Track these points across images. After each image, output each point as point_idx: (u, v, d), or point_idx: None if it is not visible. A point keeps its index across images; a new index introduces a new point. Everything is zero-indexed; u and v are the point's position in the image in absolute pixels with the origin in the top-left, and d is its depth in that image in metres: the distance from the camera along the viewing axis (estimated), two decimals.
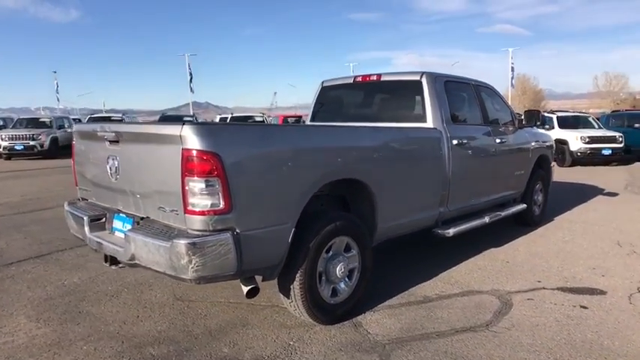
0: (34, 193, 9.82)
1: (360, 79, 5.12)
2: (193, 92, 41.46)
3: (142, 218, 3.10)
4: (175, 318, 3.62)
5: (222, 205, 2.65)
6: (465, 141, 4.71)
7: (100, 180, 3.43)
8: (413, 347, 3.12)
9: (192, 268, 2.62)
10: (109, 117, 20.69)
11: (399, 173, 3.95)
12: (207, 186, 2.61)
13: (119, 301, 3.98)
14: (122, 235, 3.25)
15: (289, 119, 23.21)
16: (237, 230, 2.74)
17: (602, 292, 4.07)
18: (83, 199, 3.86)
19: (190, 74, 40.73)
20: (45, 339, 3.30)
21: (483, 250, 5.35)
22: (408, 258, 5.08)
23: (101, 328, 3.47)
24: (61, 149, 19.83)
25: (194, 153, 2.59)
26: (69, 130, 21.28)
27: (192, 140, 2.60)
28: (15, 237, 6.17)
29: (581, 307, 3.77)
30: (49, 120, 21.05)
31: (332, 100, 5.52)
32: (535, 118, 5.64)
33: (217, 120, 21.45)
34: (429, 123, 4.46)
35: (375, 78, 4.97)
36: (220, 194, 2.64)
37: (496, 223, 5.53)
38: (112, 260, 3.24)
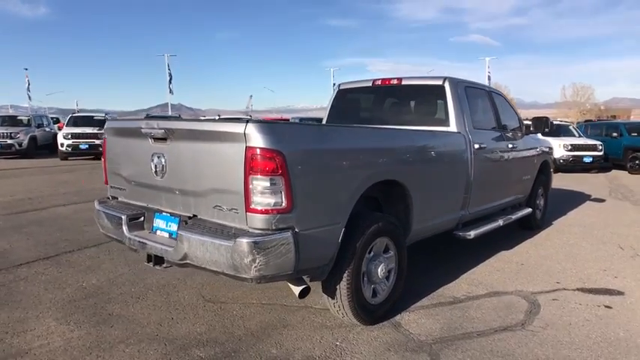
0: (22, 193, 9.48)
1: (379, 82, 5.18)
2: (173, 93, 40.87)
3: (190, 217, 3.06)
4: (212, 320, 3.57)
5: (284, 203, 2.65)
6: (484, 145, 4.82)
7: (139, 178, 3.36)
8: (459, 346, 3.18)
9: (255, 267, 2.61)
10: (92, 116, 20.10)
11: (431, 175, 4.02)
12: (271, 184, 2.60)
13: (147, 303, 3.89)
14: (166, 235, 3.20)
15: None
16: (297, 229, 2.74)
17: (621, 293, 4.22)
18: (114, 197, 3.77)
19: (170, 75, 40.10)
20: (82, 342, 3.21)
21: (495, 252, 5.47)
22: (427, 260, 5.14)
23: (137, 330, 3.39)
24: (38, 149, 19.29)
25: (259, 151, 2.58)
26: (47, 130, 20.69)
27: (257, 138, 2.59)
28: (16, 238, 5.95)
29: (605, 306, 3.91)
30: (27, 118, 20.35)
31: (349, 103, 5.55)
32: (544, 125, 5.82)
33: None
34: (453, 127, 4.54)
35: (395, 82, 5.04)
36: (283, 193, 2.63)
37: (501, 227, 5.66)
38: (157, 260, 3.17)
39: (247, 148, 2.60)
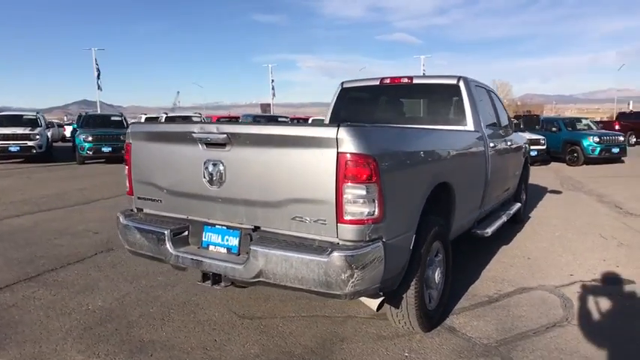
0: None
1: (388, 81, 5.09)
2: (101, 90, 38.14)
3: (253, 230, 2.78)
4: (260, 338, 3.30)
5: (377, 212, 2.48)
6: (495, 143, 4.90)
7: (182, 188, 3.01)
8: (524, 347, 3.17)
9: (352, 282, 2.41)
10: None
11: (466, 175, 4.00)
12: (367, 192, 2.41)
13: (176, 325, 3.53)
14: (223, 250, 2.90)
15: (222, 119, 22.43)
16: (384, 239, 2.57)
17: (632, 282, 4.46)
18: (139, 209, 3.36)
19: (98, 70, 37.35)
20: None
21: (497, 247, 5.59)
22: None
23: (184, 357, 3.06)
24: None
25: (353, 157, 2.39)
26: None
27: (350, 143, 2.39)
28: None
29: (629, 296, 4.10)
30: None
31: (355, 102, 5.41)
32: (535, 122, 6.04)
33: (143, 120, 19.91)
34: (470, 126, 4.56)
35: (406, 81, 4.97)
36: (376, 201, 2.46)
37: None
38: (215, 279, 2.85)
39: (340, 154, 2.39)
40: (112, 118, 18.11)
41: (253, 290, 4.14)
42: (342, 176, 2.40)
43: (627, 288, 4.29)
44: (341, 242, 2.49)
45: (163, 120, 16.86)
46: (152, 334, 3.37)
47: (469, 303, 3.94)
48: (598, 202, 8.77)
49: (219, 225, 2.94)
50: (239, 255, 2.84)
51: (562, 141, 15.32)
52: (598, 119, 39.53)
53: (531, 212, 7.77)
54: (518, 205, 6.32)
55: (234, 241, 2.87)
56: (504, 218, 5.37)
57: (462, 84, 4.66)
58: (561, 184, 11.46)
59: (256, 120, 16.80)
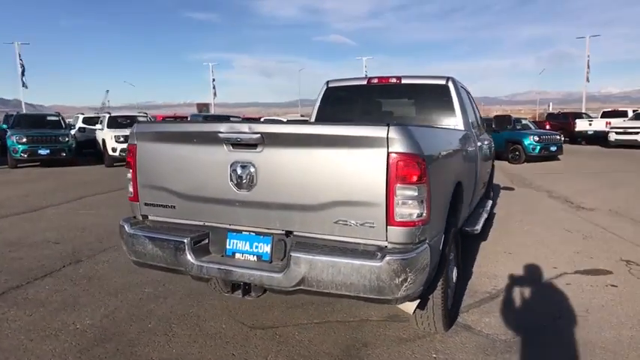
0: None
1: (376, 80, 5.07)
2: (27, 87, 35.15)
3: (287, 235, 2.63)
4: (282, 349, 3.15)
5: (425, 214, 2.42)
6: (480, 142, 5.03)
7: (204, 193, 2.78)
8: (545, 342, 3.25)
9: (405, 286, 2.35)
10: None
11: (468, 174, 4.06)
12: (418, 193, 2.35)
13: (184, 340, 3.29)
14: (252, 258, 2.72)
15: (168, 119, 21.51)
16: (428, 241, 2.53)
17: (609, 272, 4.74)
18: (144, 216, 3.08)
19: (22, 66, 34.39)
20: None
21: (476, 244, 5.75)
22: None
23: None
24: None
25: (405, 157, 2.32)
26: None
27: (402, 143, 2.32)
28: None
29: (612, 285, 4.35)
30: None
31: (340, 101, 5.34)
32: (507, 122, 6.27)
33: (81, 120, 18.62)
34: (460, 126, 4.64)
35: (394, 81, 4.97)
36: (425, 202, 2.40)
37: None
38: (245, 289, 2.66)
39: (391, 154, 2.31)
40: (48, 118, 16.96)
41: (255, 299, 3.95)
42: (393, 177, 2.32)
43: (609, 278, 4.54)
44: (390, 245, 2.41)
45: (107, 120, 15.86)
46: (160, 352, 3.11)
47: (473, 300, 4.00)
48: (549, 198, 9.30)
49: (246, 231, 2.75)
50: (271, 262, 2.68)
51: (504, 140, 16.16)
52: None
53: (494, 209, 8.09)
54: (490, 201, 6.55)
55: (265, 248, 2.70)
56: (485, 215, 5.52)
57: (450, 84, 4.73)
58: (512, 181, 12.06)
59: (208, 120, 16.25)
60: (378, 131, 2.33)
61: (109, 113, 16.59)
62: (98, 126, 16.23)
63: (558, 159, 16.57)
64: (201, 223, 2.90)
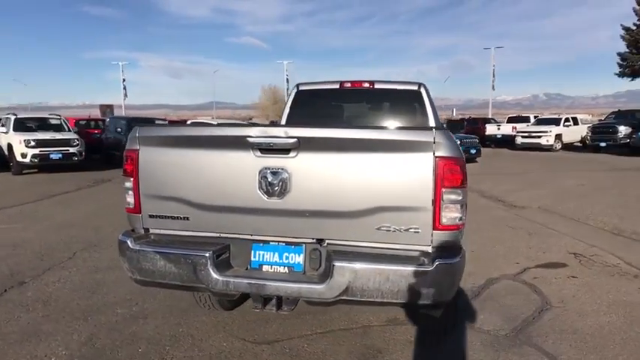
0: None
1: (349, 85, 5.07)
2: None
3: (319, 243, 2.52)
4: None
5: (464, 217, 2.45)
6: None
7: (226, 202, 2.56)
8: (539, 332, 3.43)
9: (453, 289, 2.36)
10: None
11: None
12: (461, 197, 2.37)
13: None
14: (283, 269, 2.57)
15: (81, 122, 19.84)
16: (460, 244, 2.56)
17: (565, 264, 5.15)
18: (146, 230, 2.77)
19: None
20: None
21: None
22: None
23: None
24: None
25: (450, 161, 2.33)
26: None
27: (446, 147, 2.33)
28: None
29: (572, 277, 4.73)
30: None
31: (311, 104, 5.25)
32: (459, 127, 6.58)
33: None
34: None
35: (367, 85, 5.01)
36: (465, 206, 2.43)
37: None
38: (278, 303, 2.49)
39: (437, 159, 2.30)
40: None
41: (243, 312, 3.76)
42: (440, 181, 2.31)
43: (567, 271, 4.93)
44: (433, 250, 2.40)
45: (12, 122, 14.18)
46: None
47: (460, 299, 4.12)
48: (483, 197, 9.94)
49: (274, 241, 2.58)
50: (305, 273, 2.54)
51: None
52: None
53: None
54: None
55: (297, 259, 2.55)
56: None
57: (422, 90, 4.86)
58: None
59: (131, 123, 15.21)
60: (424, 135, 2.32)
61: (15, 115, 14.87)
62: (1, 129, 14.45)
63: (476, 161, 17.79)
64: (217, 235, 2.67)
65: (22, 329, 3.52)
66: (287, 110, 5.24)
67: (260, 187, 2.48)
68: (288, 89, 43.57)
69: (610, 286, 4.40)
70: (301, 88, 5.24)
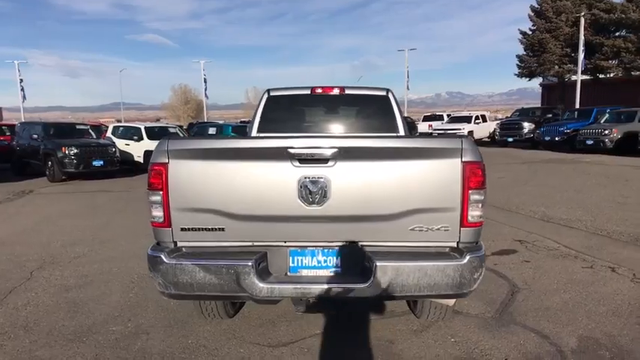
0: None
1: (320, 90, 5.25)
2: None
3: (354, 245, 2.71)
4: None
5: (484, 215, 2.76)
6: None
7: (265, 211, 2.64)
8: (518, 312, 3.88)
9: (480, 279, 2.66)
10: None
11: None
12: (483, 197, 2.67)
13: None
14: (323, 272, 2.71)
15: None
16: None
17: (515, 251, 5.77)
18: (176, 244, 2.75)
19: None
20: None
21: None
22: None
23: None
24: None
25: (475, 166, 2.62)
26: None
27: (471, 153, 2.62)
28: None
29: (526, 261, 5.33)
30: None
31: (282, 110, 5.35)
32: (414, 128, 7.04)
33: None
34: (401, 133, 5.14)
35: (338, 91, 5.23)
36: (484, 205, 2.74)
37: None
38: (320, 304, 2.63)
39: (464, 163, 2.59)
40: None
41: (244, 318, 3.83)
42: (467, 183, 2.60)
43: (519, 255, 5.54)
44: (461, 245, 2.68)
45: None
46: None
47: None
48: None
49: (311, 247, 2.71)
50: (342, 274, 2.70)
51: None
52: None
53: None
54: None
55: (335, 261, 2.72)
56: None
57: (390, 95, 5.19)
58: None
59: (48, 129, 14.06)
60: (454, 143, 2.59)
61: None
62: None
63: None
64: (249, 244, 2.74)
65: (14, 357, 3.28)
66: (259, 115, 5.30)
67: (300, 196, 2.60)
68: (206, 89, 42.20)
69: (559, 267, 5.04)
70: (272, 93, 5.32)
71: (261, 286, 2.59)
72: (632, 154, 16.44)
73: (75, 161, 12.82)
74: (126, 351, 3.35)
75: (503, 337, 3.46)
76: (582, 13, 27.70)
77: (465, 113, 30.38)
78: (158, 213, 2.72)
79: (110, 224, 7.72)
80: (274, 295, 2.60)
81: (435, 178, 2.62)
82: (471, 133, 24.85)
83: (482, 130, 26.06)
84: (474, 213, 2.67)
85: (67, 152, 12.81)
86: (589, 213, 7.73)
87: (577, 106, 26.16)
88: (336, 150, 2.56)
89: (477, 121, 26.13)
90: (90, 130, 14.79)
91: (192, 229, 2.71)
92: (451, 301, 3.21)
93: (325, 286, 2.62)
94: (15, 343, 3.49)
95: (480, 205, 2.70)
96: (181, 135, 16.18)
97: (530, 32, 33.99)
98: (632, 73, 29.23)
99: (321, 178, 2.59)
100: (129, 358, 3.25)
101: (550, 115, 25.01)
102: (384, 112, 5.21)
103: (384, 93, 5.17)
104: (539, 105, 36.44)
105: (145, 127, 15.31)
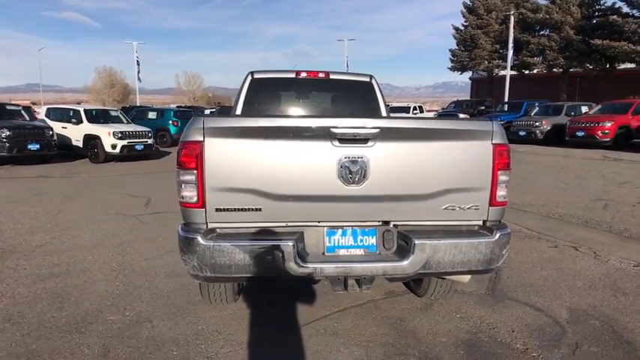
0: None
1: (305, 74, 5.22)
2: None
3: (386, 224, 2.77)
4: (345, 341, 3.21)
5: (507, 195, 2.91)
6: None
7: (300, 191, 2.61)
8: (508, 288, 4.15)
9: (506, 255, 2.82)
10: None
11: None
12: (509, 178, 2.83)
13: (238, 356, 2.98)
14: (359, 251, 2.76)
15: None
16: None
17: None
18: (211, 226, 2.65)
19: None
20: None
21: None
22: None
23: None
24: None
25: (503, 147, 2.77)
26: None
27: (500, 135, 2.76)
28: None
29: None
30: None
31: (266, 93, 5.27)
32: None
33: None
34: None
35: (322, 75, 5.23)
36: (508, 185, 2.90)
37: None
38: (358, 283, 2.67)
39: (494, 145, 2.72)
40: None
41: (248, 302, 3.78)
42: (496, 164, 2.74)
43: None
44: (489, 223, 2.82)
45: None
46: None
47: None
48: None
49: (347, 226, 2.73)
50: (379, 253, 2.75)
51: None
52: None
53: None
54: None
55: (371, 240, 2.76)
56: None
57: (373, 81, 5.28)
58: None
59: None
60: (485, 125, 2.71)
61: None
62: None
63: None
64: (284, 224, 2.71)
65: (10, 352, 3.02)
66: (242, 98, 5.18)
67: (340, 176, 2.61)
68: (139, 72, 39.95)
69: (529, 248, 5.43)
70: (256, 76, 5.21)
71: (303, 266, 2.57)
72: (559, 145, 17.90)
73: (7, 145, 11.73)
74: (135, 340, 3.19)
75: (502, 312, 3.69)
76: (512, 12, 29.49)
77: (403, 104, 31.30)
78: (189, 193, 2.60)
79: (65, 211, 7.21)
80: (316, 274, 2.60)
81: (467, 158, 2.73)
82: None
83: None
84: (500, 193, 2.82)
85: None
86: (538, 198, 8.35)
87: (506, 99, 27.85)
88: (377, 130, 2.59)
89: (414, 111, 27.07)
90: (22, 112, 13.55)
91: (228, 210, 2.63)
92: (466, 278, 3.37)
93: (367, 265, 2.66)
94: (5, 337, 3.21)
95: (505, 186, 2.85)
96: (124, 119, 15.31)
97: (462, 28, 35.64)
98: (554, 69, 31.61)
99: (361, 157, 2.62)
100: (140, 347, 3.11)
101: (483, 107, 26.50)
102: (368, 96, 5.29)
103: (367, 79, 5.25)
104: (468, 97, 38.41)
105: (85, 110, 14.30)
